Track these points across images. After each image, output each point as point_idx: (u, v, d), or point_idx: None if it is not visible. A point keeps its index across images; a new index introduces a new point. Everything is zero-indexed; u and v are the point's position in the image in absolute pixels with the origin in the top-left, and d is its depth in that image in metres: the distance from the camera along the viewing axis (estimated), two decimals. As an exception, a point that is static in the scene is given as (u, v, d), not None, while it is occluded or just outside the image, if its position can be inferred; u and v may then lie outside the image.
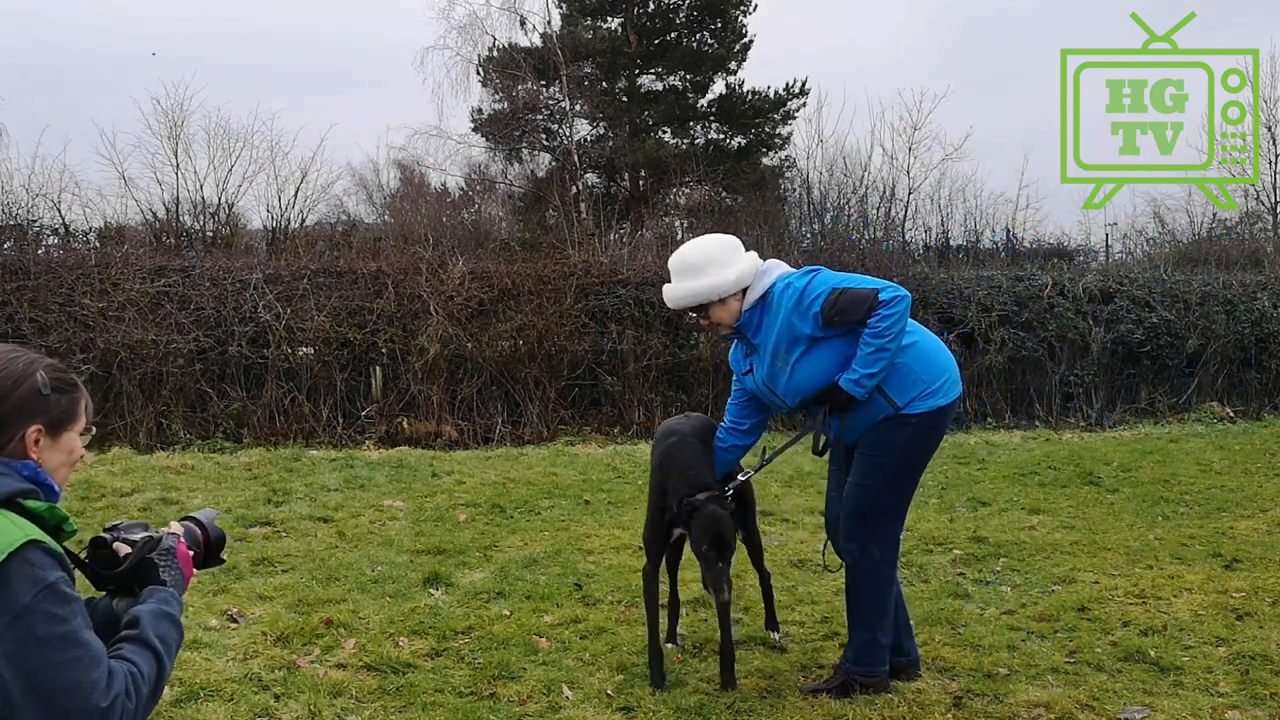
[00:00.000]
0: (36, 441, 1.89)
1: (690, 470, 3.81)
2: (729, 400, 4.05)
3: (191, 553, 2.10)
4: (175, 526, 2.12)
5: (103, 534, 2.04)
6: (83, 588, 2.05)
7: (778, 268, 3.77)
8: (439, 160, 29.62)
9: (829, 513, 4.02)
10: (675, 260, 3.79)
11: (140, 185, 16.75)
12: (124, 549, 2.01)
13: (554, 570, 5.40)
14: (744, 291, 3.72)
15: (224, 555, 2.23)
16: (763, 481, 7.11)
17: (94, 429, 2.06)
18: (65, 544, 1.88)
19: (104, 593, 2.05)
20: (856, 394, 3.54)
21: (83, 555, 2.03)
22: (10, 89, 31.70)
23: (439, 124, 28.60)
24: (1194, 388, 12.68)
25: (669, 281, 3.83)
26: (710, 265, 3.69)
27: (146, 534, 2.05)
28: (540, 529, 6.40)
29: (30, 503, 1.82)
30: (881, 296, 3.52)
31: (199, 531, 2.15)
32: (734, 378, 4.01)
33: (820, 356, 3.62)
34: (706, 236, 3.87)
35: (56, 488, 1.92)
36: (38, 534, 1.76)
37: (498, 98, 23.59)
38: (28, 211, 13.28)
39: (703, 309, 3.75)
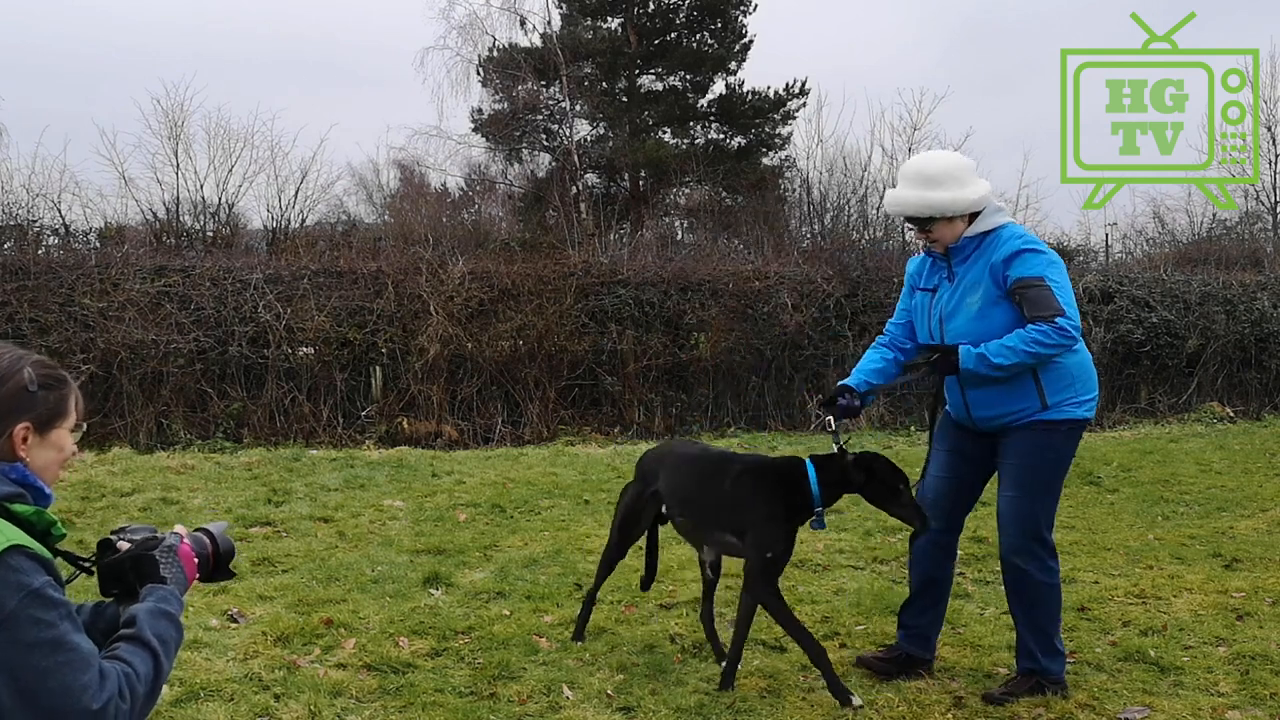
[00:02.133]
0: (24, 440, 1.86)
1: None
2: (892, 321, 4.02)
3: (202, 554, 2.08)
4: (180, 528, 2.10)
5: (109, 536, 2.04)
6: (86, 593, 2.05)
7: (1006, 213, 3.75)
8: (439, 160, 29.68)
9: (930, 494, 3.92)
10: (914, 170, 3.70)
11: (140, 185, 16.74)
12: (126, 546, 2.00)
13: (554, 570, 5.40)
14: (972, 216, 3.67)
15: (233, 569, 2.20)
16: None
17: (85, 425, 2.04)
18: (58, 546, 1.87)
19: (110, 597, 2.05)
20: (967, 367, 3.53)
21: (90, 559, 2.02)
22: (10, 89, 31.73)
23: (439, 124, 28.63)
24: (1194, 388, 12.69)
25: (893, 188, 3.75)
26: (951, 181, 3.62)
27: (151, 534, 2.04)
28: (540, 529, 6.40)
29: (17, 507, 1.80)
30: (1059, 321, 3.47)
31: (208, 542, 2.12)
32: (903, 297, 3.99)
33: (1004, 314, 3.59)
34: (944, 151, 3.83)
35: (47, 490, 1.90)
36: (22, 539, 1.74)
37: (498, 98, 23.59)
38: (28, 211, 13.27)
39: (929, 222, 3.66)
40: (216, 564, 2.13)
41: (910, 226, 3.80)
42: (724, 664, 3.86)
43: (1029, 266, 3.55)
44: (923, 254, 3.91)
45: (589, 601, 4.35)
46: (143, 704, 1.79)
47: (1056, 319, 3.47)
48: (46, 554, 1.78)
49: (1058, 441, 3.65)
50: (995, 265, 3.58)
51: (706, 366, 11.33)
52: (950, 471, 3.88)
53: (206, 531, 2.14)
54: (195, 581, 2.07)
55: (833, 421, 3.81)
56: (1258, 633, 4.39)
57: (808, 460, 3.73)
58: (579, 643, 4.26)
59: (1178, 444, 10.06)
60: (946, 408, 3.94)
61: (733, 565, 4.26)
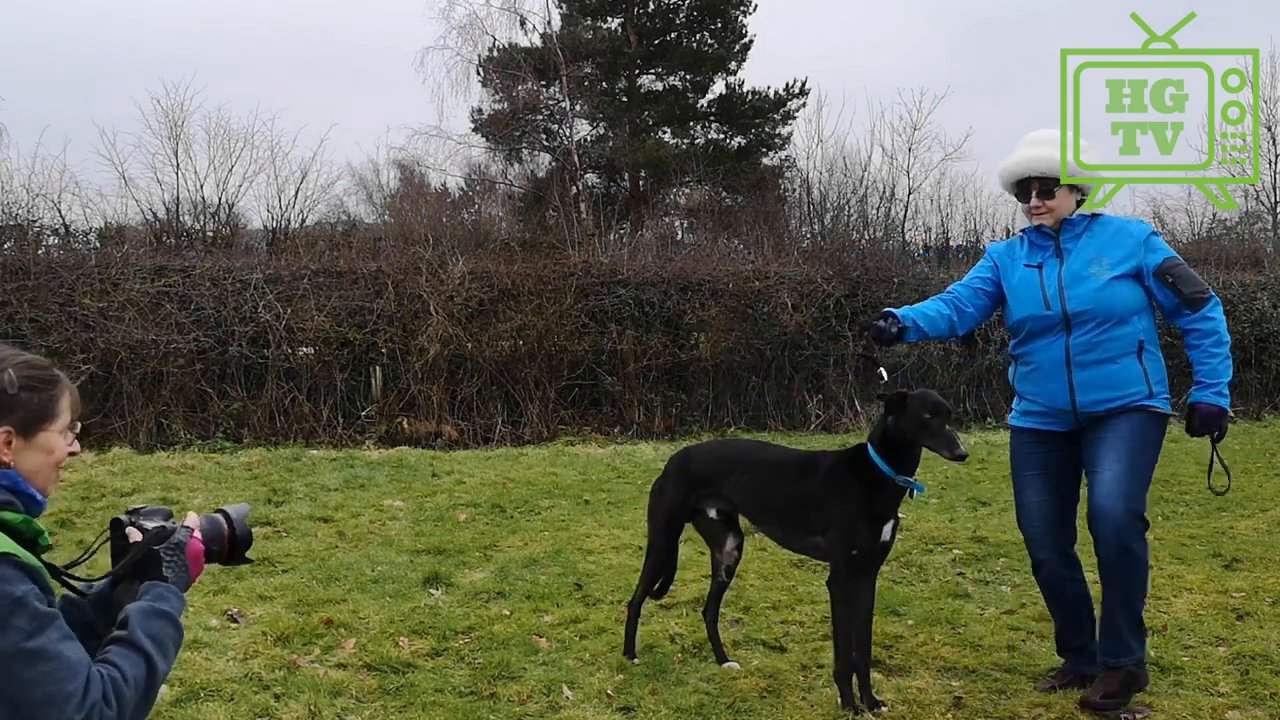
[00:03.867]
0: (8, 444, 1.84)
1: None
2: (960, 284, 3.96)
3: (213, 548, 2.03)
4: (193, 519, 2.05)
5: (122, 516, 2.00)
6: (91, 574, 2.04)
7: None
8: (439, 160, 29.66)
9: (1034, 525, 3.80)
10: (1051, 133, 3.80)
11: (140, 185, 16.77)
12: (136, 535, 1.97)
13: (554, 570, 5.40)
14: (1083, 196, 3.78)
15: (250, 555, 2.13)
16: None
17: (80, 425, 2.00)
18: (44, 559, 1.84)
19: (104, 578, 2.01)
20: (1225, 405, 3.66)
21: (103, 538, 2.00)
22: (10, 89, 31.73)
23: (439, 124, 28.60)
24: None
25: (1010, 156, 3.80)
26: (1091, 151, 3.77)
27: (161, 524, 1.99)
28: (540, 529, 6.40)
29: (6, 514, 1.79)
30: (1210, 295, 3.65)
31: (225, 526, 2.06)
32: (980, 268, 3.96)
33: (1131, 289, 3.67)
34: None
35: (39, 496, 1.87)
36: (9, 546, 1.72)
37: (498, 98, 23.60)
38: (28, 211, 13.30)
39: (1053, 185, 3.71)
40: (232, 550, 2.08)
41: (1020, 196, 3.81)
42: (850, 681, 3.64)
43: (1163, 249, 3.70)
44: (1019, 236, 3.92)
45: (633, 615, 4.11)
46: (135, 708, 1.77)
47: (1209, 294, 3.65)
48: (35, 562, 1.75)
49: (1156, 431, 3.71)
50: (1135, 249, 3.66)
51: (706, 366, 11.33)
52: (1047, 493, 3.78)
53: (225, 514, 2.08)
54: (206, 567, 2.03)
55: (875, 346, 3.73)
56: (1258, 633, 4.39)
57: (867, 442, 3.64)
58: (633, 660, 4.03)
59: (1178, 444, 10.01)
60: (1016, 421, 3.87)
61: (744, 567, 4.25)
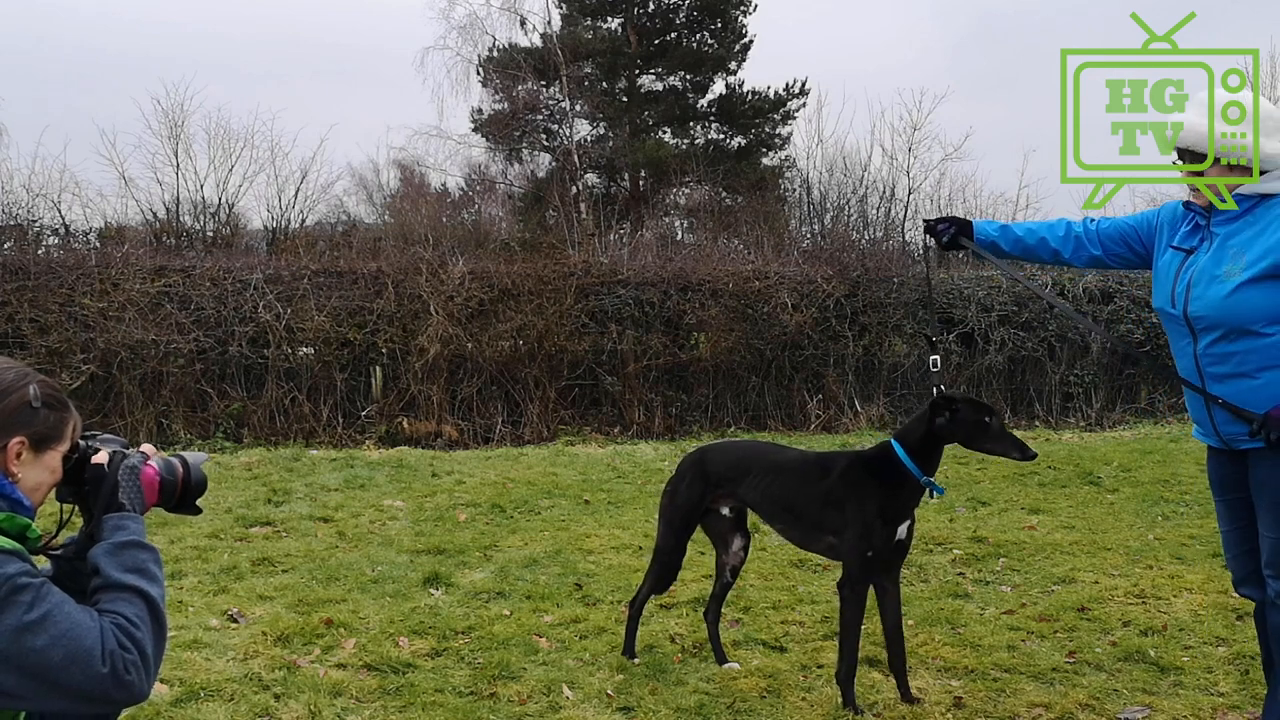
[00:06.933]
0: (18, 455, 1.87)
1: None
2: (1110, 219, 3.52)
3: (168, 479, 2.04)
4: (149, 448, 2.07)
5: (78, 440, 2.01)
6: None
7: None
8: (439, 160, 29.75)
9: (1228, 559, 3.33)
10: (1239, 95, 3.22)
11: (140, 185, 16.80)
12: (101, 457, 1.98)
13: (554, 570, 5.40)
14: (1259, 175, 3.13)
15: (200, 505, 2.12)
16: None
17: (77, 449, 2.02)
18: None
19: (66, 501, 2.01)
20: None
21: (72, 512, 2.02)
22: (11, 89, 31.74)
23: (439, 124, 28.70)
24: (1194, 388, 12.66)
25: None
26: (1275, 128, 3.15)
27: (119, 449, 2.00)
28: (540, 529, 6.41)
29: None
30: None
31: (180, 469, 2.06)
32: (1136, 216, 3.47)
33: (1268, 293, 2.98)
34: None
35: (26, 502, 1.88)
36: None
37: (498, 98, 23.63)
38: (28, 211, 13.34)
39: (1203, 158, 3.18)
40: (184, 495, 2.07)
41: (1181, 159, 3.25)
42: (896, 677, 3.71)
43: None
44: (1183, 205, 3.35)
45: (634, 615, 4.11)
46: (153, 642, 1.80)
47: None
48: (16, 545, 1.78)
49: None
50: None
51: (706, 366, 11.33)
52: (1231, 522, 3.25)
53: (182, 459, 2.08)
54: (154, 506, 2.03)
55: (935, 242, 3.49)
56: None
57: (892, 440, 3.61)
58: (633, 660, 4.05)
59: (1178, 444, 10.06)
60: (1201, 435, 3.33)
61: (744, 567, 4.25)
